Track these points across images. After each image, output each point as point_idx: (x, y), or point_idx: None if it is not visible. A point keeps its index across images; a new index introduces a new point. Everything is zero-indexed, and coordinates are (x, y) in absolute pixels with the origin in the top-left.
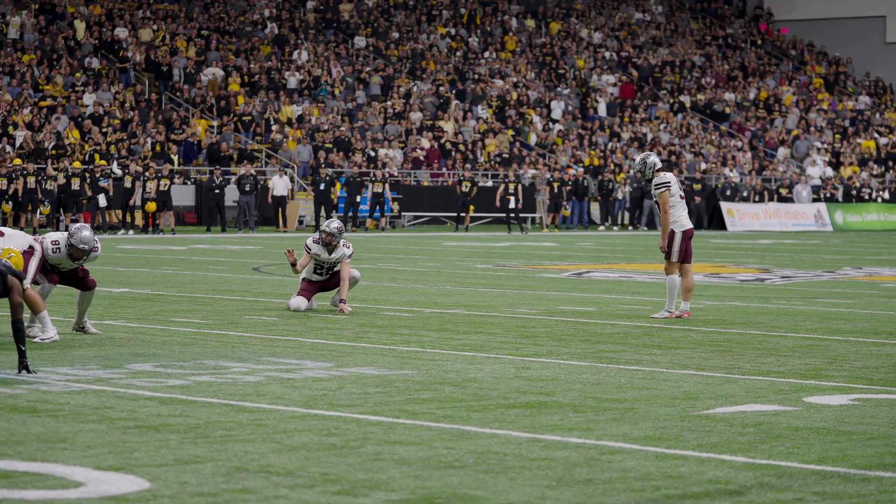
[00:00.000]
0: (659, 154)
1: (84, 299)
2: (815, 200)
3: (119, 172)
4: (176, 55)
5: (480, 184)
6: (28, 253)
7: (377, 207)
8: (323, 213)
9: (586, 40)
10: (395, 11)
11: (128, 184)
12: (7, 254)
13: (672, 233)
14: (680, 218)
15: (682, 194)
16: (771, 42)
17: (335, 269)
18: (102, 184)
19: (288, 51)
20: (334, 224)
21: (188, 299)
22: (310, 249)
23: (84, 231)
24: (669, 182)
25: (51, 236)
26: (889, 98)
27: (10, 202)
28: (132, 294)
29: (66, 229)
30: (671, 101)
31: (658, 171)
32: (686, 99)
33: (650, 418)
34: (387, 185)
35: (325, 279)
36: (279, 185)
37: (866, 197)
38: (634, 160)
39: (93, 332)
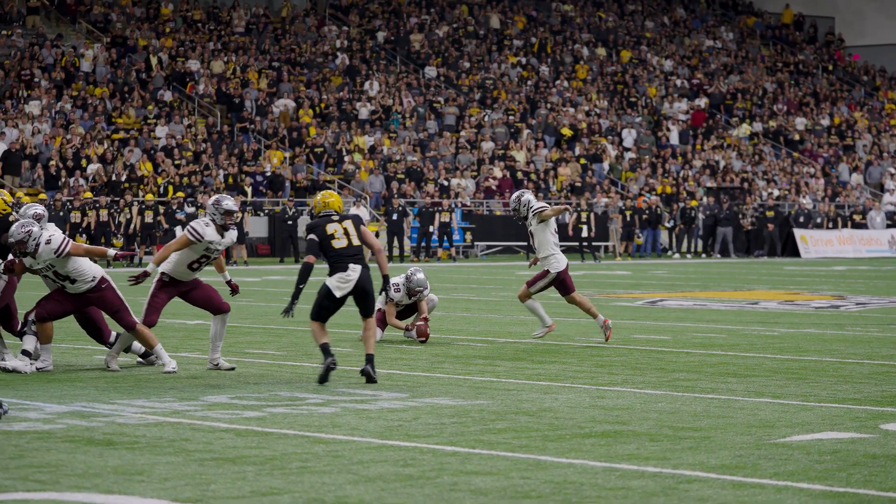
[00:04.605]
0: (731, 181)
1: (218, 328)
2: (889, 226)
3: (192, 210)
4: (247, 87)
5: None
6: (110, 288)
7: (444, 237)
8: (396, 243)
9: (657, 68)
10: (466, 41)
11: (202, 215)
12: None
13: (546, 272)
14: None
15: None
16: (842, 68)
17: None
18: (179, 216)
19: (359, 81)
20: (419, 276)
21: (262, 331)
22: (392, 299)
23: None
24: (545, 206)
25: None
26: None
27: (83, 235)
28: (206, 326)
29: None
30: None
31: (533, 210)
32: (758, 126)
33: (726, 447)
34: (454, 215)
35: (400, 310)
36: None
37: None
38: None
39: (226, 367)
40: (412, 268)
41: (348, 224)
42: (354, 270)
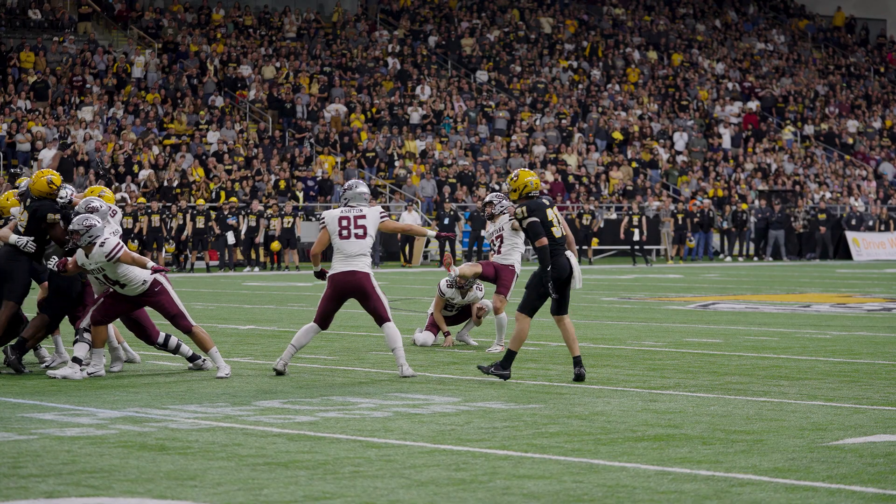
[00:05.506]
0: (783, 184)
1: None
2: None
3: (233, 222)
4: (299, 92)
5: (605, 217)
6: (164, 292)
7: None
8: (447, 247)
9: (708, 71)
10: (517, 45)
11: (252, 222)
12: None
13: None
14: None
15: None
16: (894, 70)
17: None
18: (231, 221)
19: (410, 86)
20: None
21: (314, 336)
22: (443, 294)
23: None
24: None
25: None
26: None
27: (135, 240)
28: (258, 331)
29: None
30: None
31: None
32: (810, 129)
33: (779, 450)
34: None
35: (454, 314)
36: (408, 220)
37: None
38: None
39: (280, 367)
40: None
41: (556, 211)
42: (571, 258)
